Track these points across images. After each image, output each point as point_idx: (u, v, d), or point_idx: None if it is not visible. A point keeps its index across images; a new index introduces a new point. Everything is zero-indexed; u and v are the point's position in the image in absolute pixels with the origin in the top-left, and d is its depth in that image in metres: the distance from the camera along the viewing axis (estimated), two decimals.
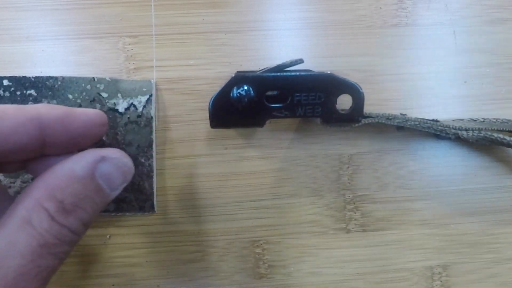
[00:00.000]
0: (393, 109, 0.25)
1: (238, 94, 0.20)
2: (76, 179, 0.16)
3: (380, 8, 0.24)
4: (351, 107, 0.21)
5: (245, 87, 0.20)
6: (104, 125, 0.18)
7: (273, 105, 0.21)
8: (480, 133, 0.22)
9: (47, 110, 0.16)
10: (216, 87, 0.24)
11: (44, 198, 0.16)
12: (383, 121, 0.22)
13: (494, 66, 0.25)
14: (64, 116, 0.16)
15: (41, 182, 0.16)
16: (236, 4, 0.24)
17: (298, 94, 0.20)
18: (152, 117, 0.23)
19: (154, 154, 0.23)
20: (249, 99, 0.20)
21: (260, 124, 0.21)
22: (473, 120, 0.24)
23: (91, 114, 0.17)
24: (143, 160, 0.23)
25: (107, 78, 0.23)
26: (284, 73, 0.20)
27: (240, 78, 0.20)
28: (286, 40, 0.24)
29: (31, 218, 0.15)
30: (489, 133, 0.22)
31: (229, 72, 0.24)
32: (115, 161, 0.18)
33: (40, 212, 0.15)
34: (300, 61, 0.21)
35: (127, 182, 0.18)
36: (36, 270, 0.15)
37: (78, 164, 0.16)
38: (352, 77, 0.24)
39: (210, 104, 0.20)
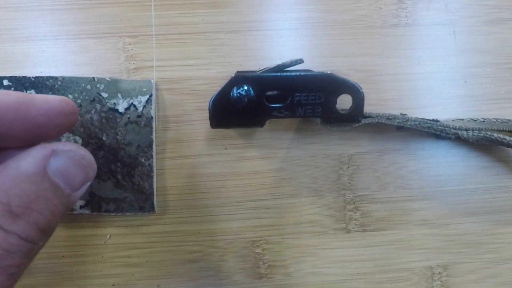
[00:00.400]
0: (393, 109, 0.25)
1: (238, 94, 0.20)
2: (23, 178, 0.14)
3: (380, 8, 0.24)
4: (351, 107, 0.21)
5: (245, 87, 0.20)
6: (73, 114, 0.16)
7: (273, 105, 0.21)
8: (480, 133, 0.22)
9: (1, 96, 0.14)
10: (216, 87, 0.24)
11: None
12: (383, 121, 0.22)
13: (494, 66, 0.25)
14: (18, 103, 0.14)
15: None
16: (236, 4, 0.24)
17: (298, 94, 0.20)
18: (152, 117, 0.23)
19: (154, 154, 0.23)
20: (249, 99, 0.20)
21: (260, 124, 0.21)
22: (473, 120, 0.24)
23: (53, 101, 0.15)
24: (143, 160, 0.23)
25: (107, 78, 0.23)
26: (284, 73, 0.20)
27: (240, 78, 0.20)
28: (286, 40, 0.24)
29: None
30: (489, 133, 0.22)
31: (229, 72, 0.24)
32: (69, 154, 0.15)
33: None
34: (300, 61, 0.21)
35: (90, 179, 0.16)
36: None
37: (24, 160, 0.14)
38: (352, 77, 0.24)
39: (210, 104, 0.20)
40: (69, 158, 0.15)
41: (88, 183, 0.16)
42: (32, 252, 0.14)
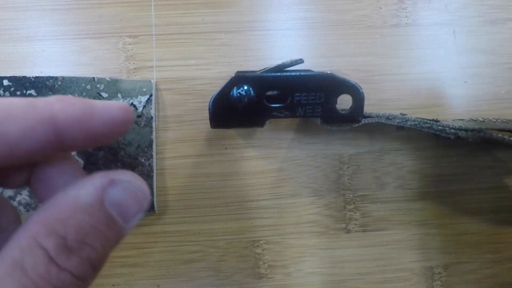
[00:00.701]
0: (393, 109, 0.25)
1: (238, 94, 0.20)
2: (81, 208, 0.13)
3: (380, 8, 0.24)
4: (351, 107, 0.21)
5: (245, 87, 0.20)
6: (129, 122, 0.15)
7: (273, 105, 0.21)
8: (480, 133, 0.22)
9: (62, 108, 0.13)
10: (216, 87, 0.24)
11: (42, 234, 0.13)
12: (383, 121, 0.22)
13: (494, 66, 0.25)
14: (82, 115, 0.13)
15: (39, 214, 0.13)
16: (236, 4, 0.24)
17: (298, 94, 0.20)
18: (152, 117, 0.23)
19: (154, 154, 0.23)
20: (249, 99, 0.20)
21: (260, 124, 0.21)
22: (473, 120, 0.24)
23: (114, 110, 0.14)
24: (143, 160, 0.23)
25: (107, 78, 0.23)
26: (284, 73, 0.20)
27: (240, 78, 0.20)
28: (286, 40, 0.24)
29: (23, 262, 0.12)
30: (489, 133, 0.22)
31: (229, 72, 0.24)
32: (126, 185, 0.15)
33: (36, 252, 0.12)
34: (300, 61, 0.20)
35: (143, 212, 0.15)
36: None
37: (83, 189, 0.14)
38: (352, 77, 0.24)
39: (210, 104, 0.20)
40: (126, 189, 0.14)
41: (141, 215, 0.15)
42: None
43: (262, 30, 0.24)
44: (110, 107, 0.14)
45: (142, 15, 0.24)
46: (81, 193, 0.13)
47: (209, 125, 0.21)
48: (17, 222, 0.16)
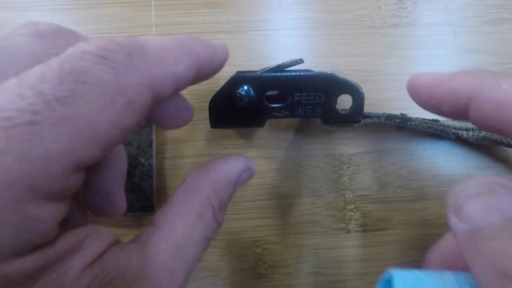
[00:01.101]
0: (393, 109, 0.25)
1: (238, 94, 0.20)
2: (231, 183, 0.18)
3: (380, 8, 0.24)
4: (351, 107, 0.21)
5: (245, 87, 0.20)
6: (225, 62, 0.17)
7: (273, 105, 0.21)
8: (481, 133, 0.22)
9: (200, 49, 0.15)
10: (216, 87, 0.24)
11: (212, 195, 0.17)
12: (383, 121, 0.22)
13: (494, 66, 0.25)
14: (212, 55, 0.16)
15: (209, 179, 0.18)
16: (236, 4, 0.24)
17: (298, 94, 0.20)
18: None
19: (154, 154, 0.23)
20: (249, 99, 0.20)
21: (260, 124, 0.21)
22: None
23: (226, 52, 0.17)
24: (143, 160, 0.23)
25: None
26: (284, 73, 0.20)
27: (240, 78, 0.20)
28: (286, 40, 0.24)
29: (203, 213, 0.16)
30: (490, 133, 0.22)
31: (229, 72, 0.24)
32: (251, 172, 0.19)
33: (209, 208, 0.17)
34: (300, 61, 0.20)
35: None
36: (197, 261, 0.16)
37: (234, 170, 0.18)
38: (352, 77, 0.24)
39: (210, 104, 0.20)
40: (250, 173, 0.19)
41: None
42: None
43: (262, 30, 0.24)
44: (224, 49, 0.16)
45: (142, 15, 0.24)
46: (232, 173, 0.18)
47: (209, 125, 0.21)
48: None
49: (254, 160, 0.23)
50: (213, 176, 0.18)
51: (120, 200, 0.18)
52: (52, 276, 0.12)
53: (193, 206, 0.17)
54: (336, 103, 0.21)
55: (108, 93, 0.12)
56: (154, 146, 0.23)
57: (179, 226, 0.16)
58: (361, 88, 0.21)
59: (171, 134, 0.24)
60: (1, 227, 0.10)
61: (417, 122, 0.22)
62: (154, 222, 0.16)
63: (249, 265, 0.25)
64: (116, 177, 0.18)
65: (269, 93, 0.21)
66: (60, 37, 0.14)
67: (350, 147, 0.25)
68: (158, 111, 0.17)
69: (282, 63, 0.21)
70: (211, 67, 0.16)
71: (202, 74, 0.16)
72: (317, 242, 0.25)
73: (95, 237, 0.14)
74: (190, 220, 0.16)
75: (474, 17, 0.25)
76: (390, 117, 0.22)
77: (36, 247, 0.11)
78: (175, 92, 0.15)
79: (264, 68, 0.22)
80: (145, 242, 0.15)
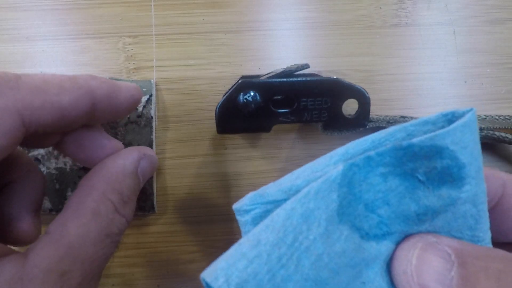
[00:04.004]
0: (393, 109, 0.25)
1: (244, 100, 0.20)
2: (128, 174, 0.18)
3: (380, 8, 0.24)
4: (357, 112, 0.21)
5: (252, 93, 0.20)
6: (139, 100, 0.18)
7: (279, 111, 0.21)
8: (482, 132, 0.22)
9: (97, 84, 0.16)
10: (216, 87, 0.24)
11: (108, 190, 0.17)
12: (384, 125, 0.22)
13: (494, 66, 0.25)
14: (112, 91, 0.16)
15: (101, 176, 0.17)
16: (236, 4, 0.24)
17: (304, 100, 0.20)
18: (152, 117, 0.23)
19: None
20: (255, 105, 0.20)
21: (267, 129, 0.21)
22: None
23: (132, 90, 0.17)
24: None
25: (107, 78, 0.23)
26: (291, 79, 0.20)
27: (246, 84, 0.20)
28: (286, 40, 0.24)
29: (100, 210, 0.16)
30: (491, 132, 0.22)
31: (229, 72, 0.24)
32: (151, 158, 0.19)
33: (107, 203, 0.17)
34: (306, 66, 0.20)
35: (151, 175, 0.21)
36: (102, 258, 0.16)
37: (127, 160, 0.18)
38: (352, 77, 0.24)
39: (217, 110, 0.20)
40: (149, 161, 0.19)
41: (149, 177, 0.20)
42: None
43: (262, 30, 0.24)
44: (130, 87, 0.17)
45: (142, 15, 0.24)
46: (126, 163, 0.18)
47: (209, 125, 0.21)
48: (41, 186, 0.19)
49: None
50: (105, 172, 0.17)
51: (27, 226, 0.18)
52: None
53: (86, 205, 0.16)
54: (342, 108, 0.21)
55: None
56: (154, 146, 0.23)
57: (70, 228, 0.16)
58: (367, 93, 0.21)
59: (171, 134, 0.24)
60: None
61: None
62: (46, 230, 0.16)
63: None
64: (25, 201, 0.18)
65: (275, 98, 0.21)
66: None
67: None
68: (73, 143, 0.18)
69: (288, 68, 0.21)
70: (111, 103, 0.17)
71: (102, 109, 0.16)
72: None
73: None
74: (84, 219, 0.16)
75: (474, 17, 0.25)
76: (391, 121, 0.22)
77: None
78: (67, 122, 0.16)
79: (269, 73, 0.22)
80: (29, 251, 0.15)
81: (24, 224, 0.17)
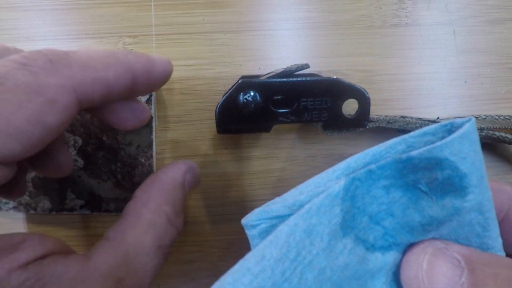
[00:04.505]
0: (393, 109, 0.25)
1: (244, 100, 0.20)
2: (178, 185, 0.19)
3: (380, 8, 0.24)
4: (357, 112, 0.21)
5: (252, 93, 0.20)
6: (171, 74, 0.18)
7: (279, 111, 0.21)
8: (482, 132, 0.22)
9: (135, 59, 0.16)
10: (216, 87, 0.24)
11: (163, 202, 0.18)
12: (384, 125, 0.22)
13: (494, 66, 0.25)
14: (149, 65, 0.17)
15: (155, 188, 0.18)
16: (236, 4, 0.24)
17: (304, 100, 0.20)
18: (152, 117, 0.23)
19: (154, 154, 0.23)
20: (255, 105, 0.20)
21: (267, 129, 0.21)
22: (475, 117, 0.24)
23: (165, 63, 0.18)
24: (143, 160, 0.23)
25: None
26: (291, 79, 0.20)
27: (246, 84, 0.20)
28: (286, 40, 0.24)
29: (155, 221, 0.17)
30: (491, 132, 0.22)
31: (229, 72, 0.24)
32: (195, 171, 0.20)
33: (162, 215, 0.17)
34: (306, 66, 0.20)
35: (195, 188, 0.22)
36: (153, 269, 0.17)
37: (177, 173, 0.19)
38: (352, 77, 0.24)
39: (217, 110, 0.20)
40: (194, 173, 0.20)
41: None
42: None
43: (262, 30, 0.24)
44: (164, 60, 0.18)
45: (142, 15, 0.24)
46: (176, 176, 0.19)
47: (209, 125, 0.21)
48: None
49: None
50: (158, 184, 0.18)
51: (65, 158, 0.19)
52: None
53: (143, 216, 0.17)
54: (342, 108, 0.21)
55: (25, 93, 0.13)
56: (154, 146, 0.23)
57: (128, 237, 0.16)
58: (367, 93, 0.21)
59: (171, 134, 0.24)
60: None
61: (417, 125, 0.22)
62: (105, 235, 0.17)
63: None
64: (61, 139, 0.19)
65: (275, 98, 0.21)
66: None
67: (350, 147, 0.25)
68: (111, 113, 0.18)
69: (288, 68, 0.21)
70: (149, 77, 0.17)
71: (140, 83, 0.17)
72: None
73: (34, 242, 0.14)
74: (141, 229, 0.17)
75: (474, 17, 0.25)
76: (391, 121, 0.22)
77: None
78: (111, 97, 0.16)
79: (269, 73, 0.22)
80: (91, 253, 0.16)
81: (62, 156, 0.19)
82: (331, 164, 0.25)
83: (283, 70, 0.21)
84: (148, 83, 0.17)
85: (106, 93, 0.15)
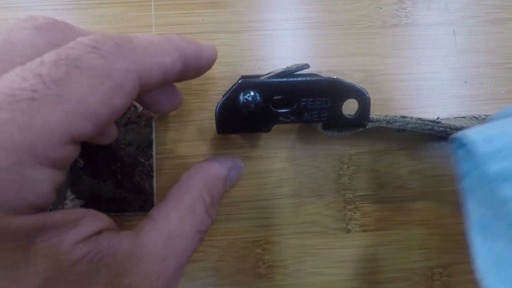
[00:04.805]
0: (393, 109, 0.25)
1: (244, 100, 0.20)
2: (221, 180, 0.20)
3: (380, 8, 0.24)
4: (357, 112, 0.21)
5: (252, 93, 0.20)
6: (215, 60, 0.19)
7: (279, 111, 0.21)
8: None
9: (187, 44, 0.17)
10: (216, 87, 0.24)
11: (204, 191, 0.19)
12: (384, 125, 0.22)
13: (494, 66, 0.25)
14: (198, 52, 0.17)
15: (199, 176, 0.19)
16: (236, 4, 0.24)
17: (304, 100, 0.20)
18: (152, 117, 0.23)
19: (154, 154, 0.23)
20: (255, 105, 0.20)
21: (267, 129, 0.21)
22: (475, 117, 0.24)
23: (212, 50, 0.18)
24: (143, 160, 0.23)
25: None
26: (291, 79, 0.20)
27: (246, 84, 0.20)
28: (286, 40, 0.24)
29: (195, 207, 0.18)
30: None
31: (229, 72, 0.24)
32: (240, 170, 0.22)
33: (201, 203, 0.18)
34: (306, 66, 0.20)
35: (235, 184, 0.23)
36: (191, 251, 0.18)
37: (222, 167, 0.20)
38: (352, 77, 0.24)
39: (217, 110, 0.20)
40: (238, 171, 0.22)
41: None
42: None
43: (262, 30, 0.24)
44: (210, 47, 0.18)
45: (142, 15, 0.24)
46: (221, 170, 0.20)
47: (209, 125, 0.21)
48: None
49: (242, 160, 0.24)
50: (204, 174, 0.20)
51: (114, 129, 0.20)
52: (47, 242, 0.13)
53: (185, 201, 0.18)
54: (342, 108, 0.21)
55: (97, 76, 0.13)
56: (154, 146, 0.23)
57: (171, 219, 0.17)
58: (367, 93, 0.21)
59: (171, 134, 0.24)
60: (5, 184, 0.12)
61: (417, 125, 0.22)
62: (149, 215, 0.18)
63: (249, 265, 0.25)
64: None
65: (275, 98, 0.21)
66: (57, 29, 0.16)
67: (350, 147, 0.25)
68: (150, 96, 0.18)
69: (288, 68, 0.21)
70: (197, 63, 0.17)
71: (190, 68, 0.17)
72: (317, 242, 0.25)
73: (92, 218, 0.15)
74: (183, 213, 0.18)
75: (474, 17, 0.25)
76: (390, 121, 0.22)
77: (35, 209, 0.13)
78: (164, 82, 0.16)
79: (269, 73, 0.22)
80: (139, 231, 0.17)
81: (111, 127, 0.19)
82: (331, 164, 0.25)
83: (283, 70, 0.21)
84: (196, 69, 0.18)
85: (162, 78, 0.16)
